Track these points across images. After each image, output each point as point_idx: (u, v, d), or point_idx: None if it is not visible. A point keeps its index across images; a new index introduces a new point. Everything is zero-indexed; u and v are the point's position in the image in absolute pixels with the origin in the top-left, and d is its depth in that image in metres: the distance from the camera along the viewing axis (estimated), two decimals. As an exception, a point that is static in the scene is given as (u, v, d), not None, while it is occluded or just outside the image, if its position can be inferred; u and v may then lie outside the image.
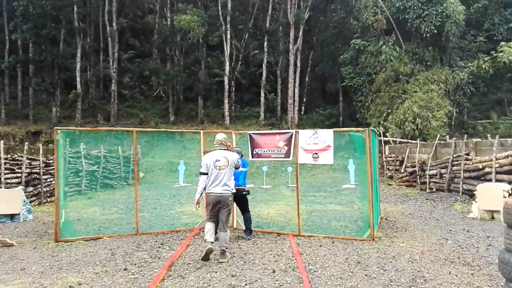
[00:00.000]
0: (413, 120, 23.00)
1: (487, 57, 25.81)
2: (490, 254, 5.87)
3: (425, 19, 24.35)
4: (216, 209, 5.77)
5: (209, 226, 5.77)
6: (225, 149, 6.01)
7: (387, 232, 7.45)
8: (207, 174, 5.81)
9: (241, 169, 6.46)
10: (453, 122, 25.99)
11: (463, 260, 5.59)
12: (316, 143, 7.04)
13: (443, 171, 13.79)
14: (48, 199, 12.14)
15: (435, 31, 24.18)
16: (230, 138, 7.89)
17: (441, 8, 24.08)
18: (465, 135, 14.39)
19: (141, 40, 35.88)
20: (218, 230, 5.88)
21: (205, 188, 5.83)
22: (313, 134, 7.12)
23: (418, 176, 15.40)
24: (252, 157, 7.58)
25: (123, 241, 6.93)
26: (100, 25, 30.20)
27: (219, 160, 5.80)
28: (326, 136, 7.00)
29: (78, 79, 27.46)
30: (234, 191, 5.93)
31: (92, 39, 30.41)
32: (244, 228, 7.22)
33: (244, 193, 6.99)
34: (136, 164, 8.17)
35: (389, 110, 24.56)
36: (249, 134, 7.71)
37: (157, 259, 5.78)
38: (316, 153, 7.02)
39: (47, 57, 26.70)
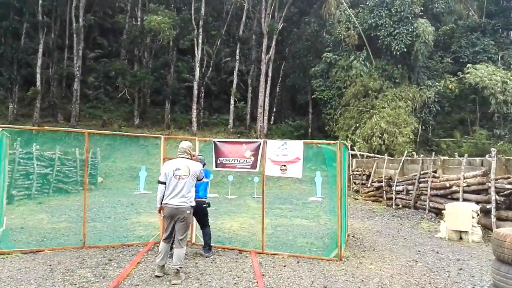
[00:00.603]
0: (380, 135, 23.17)
1: (453, 78, 26.57)
2: (462, 279, 5.58)
3: (396, 37, 24.80)
4: (172, 223, 5.27)
5: (162, 247, 5.25)
6: (188, 158, 5.52)
7: (355, 252, 7.08)
8: (165, 183, 5.32)
9: (204, 180, 5.94)
10: (418, 139, 26.48)
11: (434, 285, 5.26)
12: (285, 154, 6.59)
13: (409, 187, 13.72)
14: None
15: (405, 50, 24.65)
16: (194, 145, 7.33)
17: (412, 27, 24.61)
18: (433, 153, 14.47)
19: (110, 40, 34.69)
20: (173, 246, 5.32)
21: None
22: (282, 145, 6.68)
23: (384, 192, 15.32)
24: (216, 167, 7.04)
25: (66, 255, 6.17)
26: (66, 21, 28.83)
27: (179, 169, 5.32)
28: (295, 147, 6.57)
29: (38, 75, 26.01)
30: (193, 204, 5.41)
31: (57, 35, 29.02)
32: (203, 243, 6.63)
33: (204, 205, 6.42)
34: (86, 168, 7.31)
35: (357, 124, 24.67)
36: (214, 141, 7.18)
37: (102, 278, 5.11)
38: (285, 165, 6.57)
39: (6, 50, 25.09)
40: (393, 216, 12.15)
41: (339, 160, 6.38)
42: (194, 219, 6.48)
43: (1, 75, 25.01)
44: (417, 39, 24.70)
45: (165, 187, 5.32)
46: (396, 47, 24.58)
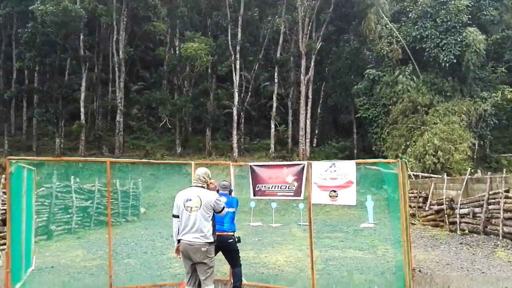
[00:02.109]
0: (434, 153, 21.47)
1: (510, 88, 24.46)
2: None
3: (443, 48, 23.31)
4: (191, 263, 4.48)
5: None
6: (201, 186, 4.69)
7: (426, 292, 5.87)
8: (179, 216, 4.55)
9: (226, 209, 4.96)
10: (475, 156, 24.34)
11: None
12: (334, 177, 5.61)
13: (477, 210, 12.13)
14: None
15: (454, 61, 23.06)
16: (228, 171, 6.53)
17: (461, 37, 23.05)
18: (491, 170, 12.90)
19: (151, 72, 35.55)
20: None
21: None
22: (330, 167, 5.71)
23: (446, 215, 13.66)
24: (254, 195, 6.17)
25: (89, 301, 5.49)
26: (109, 56, 29.84)
27: (190, 200, 4.52)
28: (347, 169, 5.58)
29: (82, 109, 26.74)
30: (211, 240, 4.52)
31: (100, 69, 30.01)
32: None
33: (230, 240, 5.39)
34: (109, 200, 6.69)
35: (407, 143, 23.11)
36: (250, 166, 6.34)
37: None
38: (335, 191, 5.58)
39: (51, 86, 26.08)
40: (460, 243, 10.64)
41: (401, 181, 5.30)
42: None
43: (47, 111, 25.85)
44: (467, 48, 23.03)
45: (179, 221, 4.57)
46: (445, 59, 23.03)
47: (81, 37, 26.50)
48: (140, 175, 22.15)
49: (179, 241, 4.54)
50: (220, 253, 5.51)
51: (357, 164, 5.59)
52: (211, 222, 4.55)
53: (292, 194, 5.86)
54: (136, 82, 35.03)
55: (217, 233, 5.15)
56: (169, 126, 30.25)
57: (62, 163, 22.19)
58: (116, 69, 27.94)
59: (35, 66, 26.08)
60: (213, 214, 4.62)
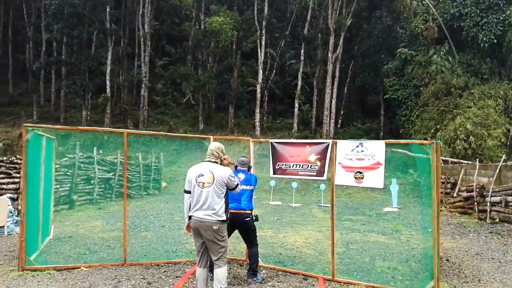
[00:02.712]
0: (465, 138, 20.48)
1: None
2: None
3: (483, 27, 21.86)
4: (202, 241, 4.26)
5: (198, 274, 4.25)
6: (215, 162, 4.42)
7: (455, 284, 5.48)
8: (190, 192, 4.31)
9: (243, 187, 4.70)
10: (508, 142, 23.15)
11: None
12: (361, 158, 5.23)
13: (509, 198, 11.49)
14: (54, 208, 10.88)
15: (495, 41, 21.63)
16: (248, 147, 6.24)
17: (503, 15, 21.52)
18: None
19: (177, 47, 35.32)
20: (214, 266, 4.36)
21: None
22: (357, 147, 5.32)
23: (476, 203, 13.03)
24: (274, 173, 5.87)
25: (102, 274, 5.37)
26: (135, 30, 29.72)
27: (202, 175, 4.27)
28: (375, 149, 5.18)
29: (108, 83, 26.88)
30: (223, 218, 4.26)
31: (126, 43, 29.97)
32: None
33: (247, 219, 5.14)
34: (125, 172, 6.50)
35: (437, 126, 22.14)
36: (271, 143, 6.01)
37: (134, 308, 4.18)
38: (361, 172, 5.21)
39: (78, 59, 26.24)
40: (490, 232, 10.10)
41: (435, 165, 4.87)
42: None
43: (74, 83, 26.09)
44: (510, 28, 21.53)
45: (190, 196, 4.34)
46: (484, 39, 21.64)
47: (108, 9, 26.34)
48: (163, 149, 22.24)
49: (190, 217, 4.31)
50: (237, 231, 5.30)
51: (395, 144, 5.18)
52: (223, 199, 4.29)
53: (315, 174, 5.53)
54: (162, 57, 34.95)
55: (234, 210, 4.93)
56: (193, 102, 30.15)
57: (88, 135, 22.54)
58: (142, 43, 27.84)
59: (62, 38, 26.18)
60: (226, 191, 4.35)
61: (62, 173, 11.74)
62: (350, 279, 5.46)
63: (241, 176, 5.20)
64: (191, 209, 4.29)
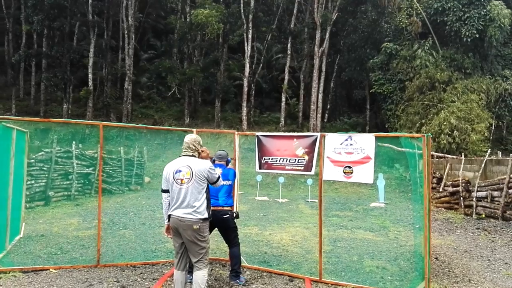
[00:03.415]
0: (449, 133, 20.57)
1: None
2: None
3: (466, 22, 21.98)
4: (181, 242, 3.95)
5: (176, 277, 3.92)
6: (192, 155, 4.07)
7: (445, 284, 5.29)
8: (168, 191, 3.98)
9: (221, 182, 4.31)
10: (491, 137, 23.36)
11: None
12: (350, 152, 4.97)
13: (495, 193, 11.45)
14: (27, 205, 10.37)
15: (477, 36, 21.75)
16: (233, 141, 5.91)
17: (484, 10, 21.67)
18: (508, 153, 12.11)
19: (163, 41, 34.66)
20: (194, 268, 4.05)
21: None
22: (346, 140, 5.06)
23: (462, 198, 13.01)
24: (260, 168, 5.57)
25: (72, 277, 4.99)
26: (119, 22, 28.97)
27: (180, 171, 3.93)
28: (364, 143, 4.93)
29: (90, 75, 26.15)
30: (205, 216, 3.93)
31: (110, 36, 29.19)
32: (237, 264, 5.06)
33: (226, 216, 4.82)
34: (101, 167, 6.15)
35: (422, 121, 22.20)
36: (257, 136, 5.71)
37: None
38: (350, 167, 4.95)
39: (59, 51, 25.41)
40: (477, 229, 10.03)
41: (426, 159, 4.64)
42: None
43: (55, 76, 25.30)
44: (491, 23, 21.69)
45: (169, 195, 4.00)
46: (467, 33, 21.76)
47: (90, 1, 25.55)
48: (147, 143, 21.78)
49: (169, 218, 3.98)
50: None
51: (385, 137, 4.92)
52: (204, 195, 3.97)
53: (302, 168, 5.25)
54: (147, 51, 34.24)
55: (211, 207, 4.62)
56: (179, 96, 29.60)
57: (69, 128, 21.88)
58: (126, 35, 27.13)
59: (43, 30, 25.31)
60: (207, 186, 4.03)
61: (38, 168, 11.23)
62: (338, 280, 5.22)
63: (218, 170, 4.86)
64: (169, 208, 3.97)
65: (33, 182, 10.81)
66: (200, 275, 3.91)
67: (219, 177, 4.14)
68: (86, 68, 27.37)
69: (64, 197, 12.27)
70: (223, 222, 4.81)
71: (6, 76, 30.80)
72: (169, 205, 3.99)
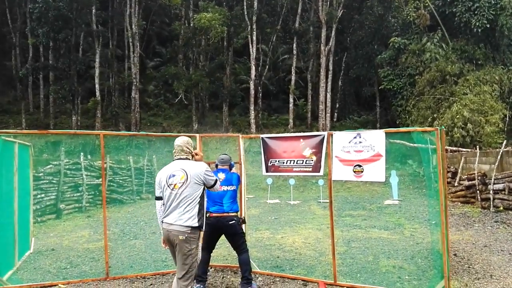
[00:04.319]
0: (463, 126, 20.12)
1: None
2: None
3: (476, 12, 21.49)
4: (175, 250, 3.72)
5: (174, 286, 3.70)
6: (186, 158, 3.86)
7: (466, 281, 5.06)
8: (162, 198, 3.76)
9: (218, 186, 4.02)
10: (506, 128, 22.82)
11: None
12: (360, 150, 4.79)
13: (513, 185, 11.11)
14: (38, 219, 10.38)
15: (488, 26, 21.26)
16: (237, 144, 5.76)
17: (495, -1, 21.18)
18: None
19: (167, 47, 34.81)
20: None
21: None
22: (355, 138, 4.88)
23: (478, 191, 12.65)
24: (267, 171, 5.42)
25: (81, 291, 4.91)
26: (124, 31, 29.15)
27: (173, 176, 3.71)
28: (374, 140, 4.75)
29: (97, 86, 26.30)
30: (196, 224, 3.66)
31: (115, 45, 29.39)
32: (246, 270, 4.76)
33: (232, 222, 4.62)
34: (104, 178, 6.08)
35: (434, 115, 21.76)
36: (262, 138, 5.57)
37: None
38: (360, 165, 4.77)
39: (65, 63, 25.64)
40: (496, 222, 9.72)
41: (440, 154, 4.44)
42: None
43: (63, 88, 25.50)
44: (502, 12, 21.21)
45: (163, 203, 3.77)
46: (477, 24, 21.27)
47: (93, 11, 25.74)
48: (157, 152, 21.76)
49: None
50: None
51: (386, 134, 4.72)
52: (198, 200, 3.72)
53: (310, 169, 5.09)
54: (153, 58, 34.40)
55: (216, 214, 4.48)
56: (186, 103, 29.63)
57: (79, 140, 22.01)
58: (131, 44, 27.27)
59: (48, 42, 25.56)
60: (203, 191, 3.80)
61: (47, 181, 11.22)
62: (353, 282, 5.03)
63: (221, 176, 4.72)
64: (163, 215, 3.76)
65: (43, 195, 10.80)
66: None
67: (216, 181, 3.92)
68: (93, 78, 27.61)
69: (75, 209, 12.25)
70: (229, 228, 4.65)
71: (15, 90, 31.24)
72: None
